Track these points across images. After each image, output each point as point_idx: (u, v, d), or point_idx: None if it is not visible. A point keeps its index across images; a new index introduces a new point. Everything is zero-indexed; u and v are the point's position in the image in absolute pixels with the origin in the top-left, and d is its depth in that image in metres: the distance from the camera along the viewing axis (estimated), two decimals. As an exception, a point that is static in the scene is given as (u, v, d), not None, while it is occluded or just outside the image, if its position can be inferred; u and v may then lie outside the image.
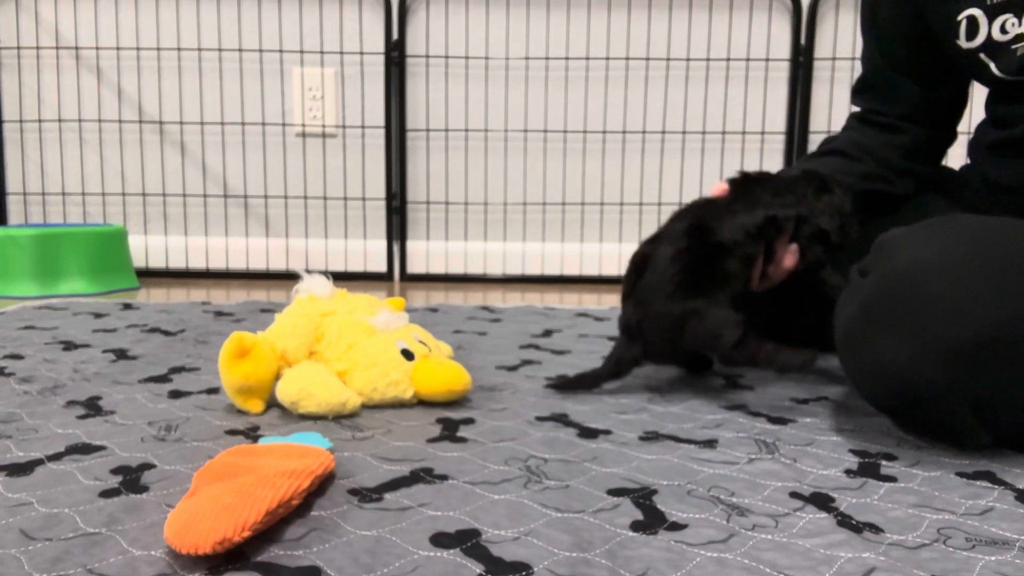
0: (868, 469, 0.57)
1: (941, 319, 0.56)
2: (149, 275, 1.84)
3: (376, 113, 1.82)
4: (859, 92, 0.92)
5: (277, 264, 1.86)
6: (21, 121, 1.82)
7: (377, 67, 1.80)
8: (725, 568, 0.42)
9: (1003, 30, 0.73)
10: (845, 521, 0.48)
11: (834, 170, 0.85)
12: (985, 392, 0.57)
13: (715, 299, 0.74)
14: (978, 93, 0.86)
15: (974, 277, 0.56)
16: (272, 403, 0.72)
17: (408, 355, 0.74)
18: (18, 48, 1.79)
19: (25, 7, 1.78)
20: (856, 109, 0.93)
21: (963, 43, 0.76)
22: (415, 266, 1.86)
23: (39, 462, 0.57)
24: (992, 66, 0.75)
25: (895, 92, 0.88)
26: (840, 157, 0.89)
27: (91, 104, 1.81)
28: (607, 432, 0.66)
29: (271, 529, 0.45)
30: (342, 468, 0.56)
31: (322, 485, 0.52)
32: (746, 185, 0.80)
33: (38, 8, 1.78)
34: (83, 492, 0.51)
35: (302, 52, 1.80)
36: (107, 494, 0.51)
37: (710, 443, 0.63)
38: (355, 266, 1.86)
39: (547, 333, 1.12)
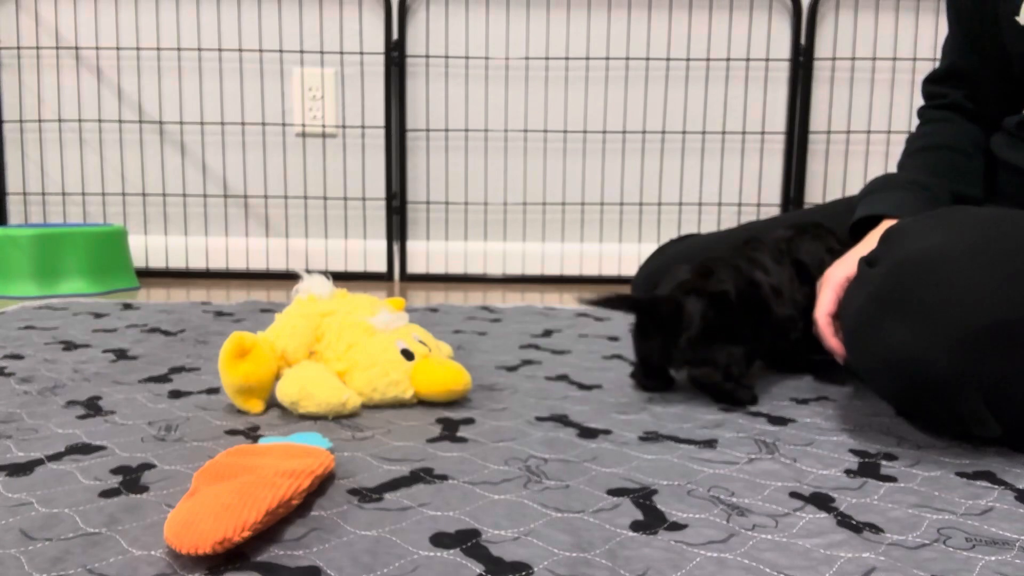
0: (868, 469, 0.57)
1: (953, 303, 0.56)
2: (149, 275, 1.84)
3: (376, 113, 1.82)
4: (942, 80, 0.91)
5: (277, 264, 1.86)
6: (21, 121, 1.82)
7: (377, 67, 1.80)
8: (725, 568, 0.42)
9: None
10: (845, 521, 0.48)
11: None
12: (996, 379, 0.56)
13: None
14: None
15: (986, 263, 0.56)
16: (272, 403, 0.72)
17: (408, 355, 0.74)
18: (18, 48, 1.79)
19: (25, 7, 1.78)
20: (941, 97, 0.92)
21: (1022, 19, 0.75)
22: (415, 266, 1.86)
23: (39, 462, 0.57)
24: None
25: (977, 81, 0.87)
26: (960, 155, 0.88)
27: (91, 104, 1.81)
28: (607, 432, 0.66)
29: (271, 529, 0.45)
30: (342, 468, 0.56)
31: (322, 485, 0.52)
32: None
33: (38, 8, 1.78)
34: (83, 492, 0.51)
35: (302, 52, 1.80)
36: (107, 494, 0.51)
37: (710, 443, 0.63)
38: (355, 266, 1.86)
39: (547, 333, 1.12)
